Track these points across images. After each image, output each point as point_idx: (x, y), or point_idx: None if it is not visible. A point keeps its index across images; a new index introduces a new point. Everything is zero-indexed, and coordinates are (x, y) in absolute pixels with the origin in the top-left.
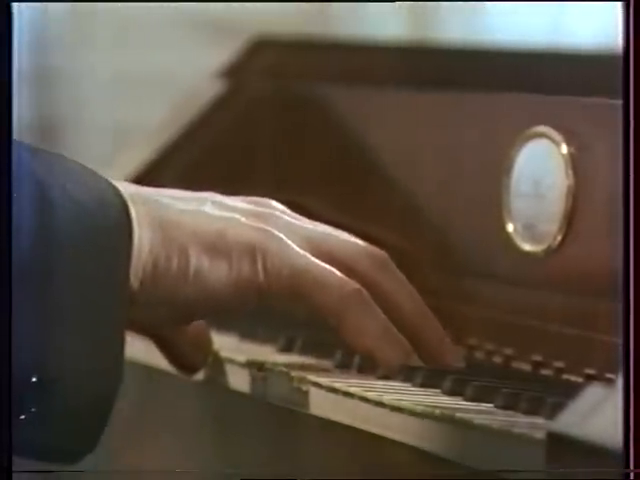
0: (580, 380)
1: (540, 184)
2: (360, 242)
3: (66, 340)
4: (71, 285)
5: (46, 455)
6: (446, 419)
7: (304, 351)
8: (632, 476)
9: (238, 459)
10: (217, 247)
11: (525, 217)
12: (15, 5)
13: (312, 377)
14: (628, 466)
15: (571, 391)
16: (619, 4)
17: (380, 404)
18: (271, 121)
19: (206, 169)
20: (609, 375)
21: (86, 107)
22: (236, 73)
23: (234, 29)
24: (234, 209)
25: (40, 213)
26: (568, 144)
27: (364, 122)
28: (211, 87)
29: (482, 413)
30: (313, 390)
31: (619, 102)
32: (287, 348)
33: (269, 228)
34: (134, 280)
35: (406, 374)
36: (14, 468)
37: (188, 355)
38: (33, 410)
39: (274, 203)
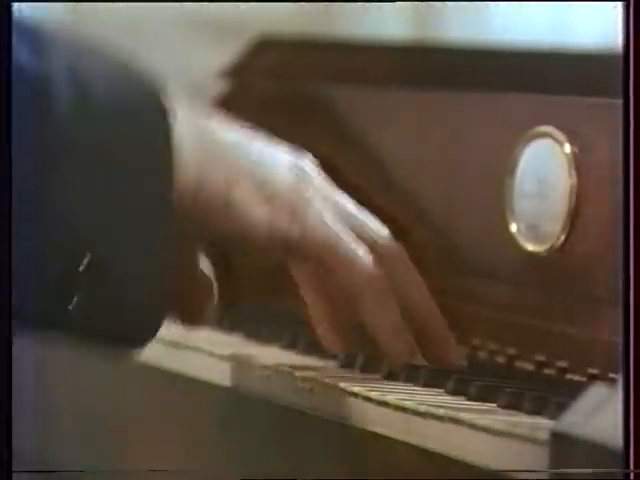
0: (583, 380)
1: (543, 184)
2: (383, 229)
3: (118, 224)
4: (116, 166)
5: (109, 339)
6: (449, 419)
7: (307, 351)
8: (632, 476)
9: (239, 459)
10: (264, 189)
11: (528, 217)
12: (15, 5)
13: (315, 376)
14: (628, 466)
15: (574, 391)
16: (619, 4)
17: (384, 404)
18: (274, 120)
19: None
20: (612, 375)
21: None
22: (239, 73)
23: (237, 29)
24: (278, 163)
25: (79, 93)
26: (571, 144)
27: (367, 122)
28: (214, 87)
29: (485, 413)
30: (317, 390)
31: (622, 102)
32: (290, 346)
33: (312, 194)
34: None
35: (409, 374)
36: (14, 468)
37: (191, 302)
38: (82, 299)
39: (311, 166)
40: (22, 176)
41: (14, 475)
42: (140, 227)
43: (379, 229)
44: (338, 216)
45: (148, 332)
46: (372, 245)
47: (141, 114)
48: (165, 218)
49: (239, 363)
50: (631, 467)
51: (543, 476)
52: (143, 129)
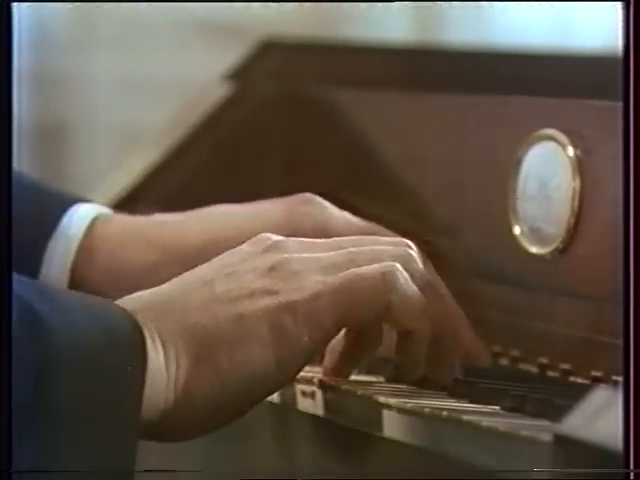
0: (587, 382)
1: (546, 186)
2: (386, 244)
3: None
4: (76, 417)
5: None
6: (453, 421)
7: None
8: (632, 476)
9: (240, 460)
10: (242, 334)
11: (531, 219)
12: (15, 5)
13: (320, 379)
14: (628, 466)
15: (578, 393)
16: (619, 4)
17: (387, 406)
18: (278, 123)
19: (213, 171)
20: (615, 377)
21: (93, 109)
22: (243, 75)
23: (241, 31)
24: (246, 274)
25: (39, 347)
26: (574, 146)
27: (371, 124)
28: (219, 89)
29: (489, 415)
30: (320, 392)
31: (622, 102)
32: None
33: (283, 281)
34: (159, 405)
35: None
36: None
37: None
38: None
39: (285, 241)
40: None
41: (14, 476)
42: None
43: (379, 251)
44: (334, 270)
45: None
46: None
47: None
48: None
49: None
50: (631, 467)
51: (544, 476)
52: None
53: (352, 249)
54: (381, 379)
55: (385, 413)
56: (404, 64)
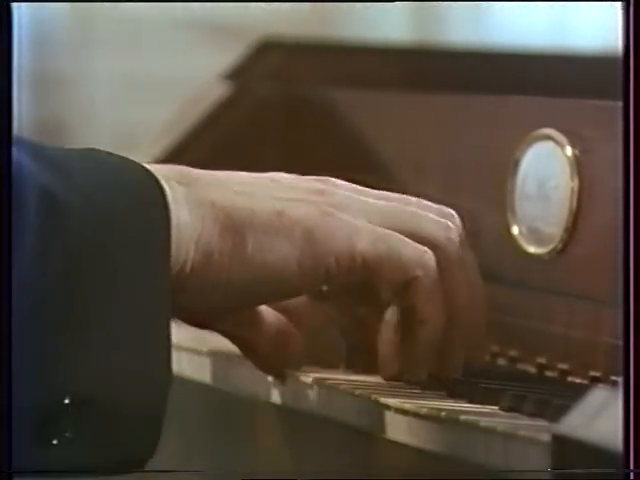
0: (585, 382)
1: (545, 186)
2: (431, 211)
3: (103, 355)
4: (100, 290)
5: (105, 469)
6: (451, 421)
7: None
8: (632, 476)
9: (239, 461)
10: (276, 226)
11: (530, 219)
12: (15, 5)
13: (318, 377)
14: (628, 466)
15: (576, 393)
16: (619, 4)
17: (385, 406)
18: (277, 123)
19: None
20: (614, 377)
21: (92, 109)
22: (242, 75)
23: (240, 31)
24: (294, 188)
25: (48, 217)
26: (573, 146)
27: (369, 124)
28: (217, 89)
29: (487, 415)
30: (318, 389)
31: (622, 101)
32: None
33: (330, 208)
34: (183, 265)
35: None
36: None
37: (271, 356)
38: (68, 435)
39: (337, 181)
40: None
41: (15, 476)
42: (129, 344)
43: (424, 216)
44: (369, 217)
45: (146, 454)
46: (418, 234)
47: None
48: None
49: (220, 358)
50: (631, 467)
51: (543, 476)
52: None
53: (398, 204)
54: (380, 379)
55: (383, 413)
56: (402, 64)
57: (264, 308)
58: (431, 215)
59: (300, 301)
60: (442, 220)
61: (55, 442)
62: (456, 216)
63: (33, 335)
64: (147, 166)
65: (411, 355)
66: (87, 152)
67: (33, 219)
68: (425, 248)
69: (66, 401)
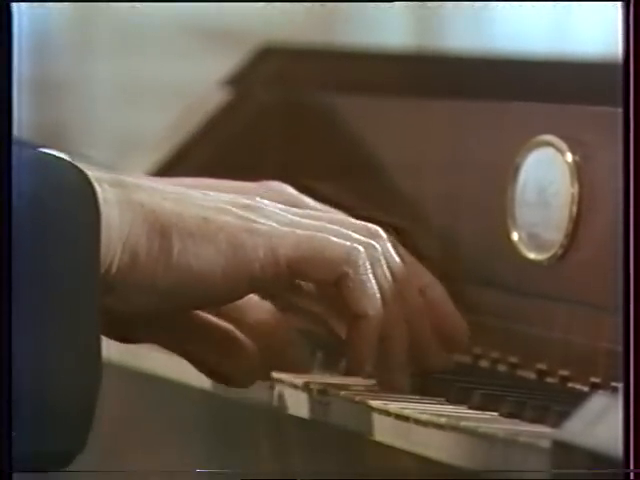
0: (585, 388)
1: (545, 192)
2: (353, 227)
3: (36, 341)
4: (32, 278)
5: (38, 459)
6: (451, 427)
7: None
8: (632, 476)
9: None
10: (202, 232)
11: (530, 225)
12: (15, 6)
13: (320, 385)
14: (628, 466)
15: (576, 399)
16: (619, 5)
17: (385, 412)
18: (277, 128)
19: (212, 176)
20: (614, 384)
21: (92, 114)
22: (242, 80)
23: (240, 37)
24: (221, 199)
25: None
26: (573, 152)
27: (370, 130)
28: (217, 94)
29: (487, 421)
30: (316, 396)
31: (622, 102)
32: None
33: (255, 217)
34: (110, 266)
35: (412, 383)
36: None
37: (220, 366)
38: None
39: (264, 199)
40: None
41: (14, 476)
42: (60, 332)
43: (346, 233)
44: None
45: (74, 448)
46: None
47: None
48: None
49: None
50: (631, 467)
51: (541, 476)
52: (69, 220)
53: (322, 222)
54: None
55: (383, 419)
56: (403, 70)
57: (208, 320)
58: (356, 222)
59: (263, 311)
60: (369, 226)
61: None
62: (382, 234)
63: None
64: (79, 166)
65: (355, 352)
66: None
67: None
68: (353, 244)
69: None
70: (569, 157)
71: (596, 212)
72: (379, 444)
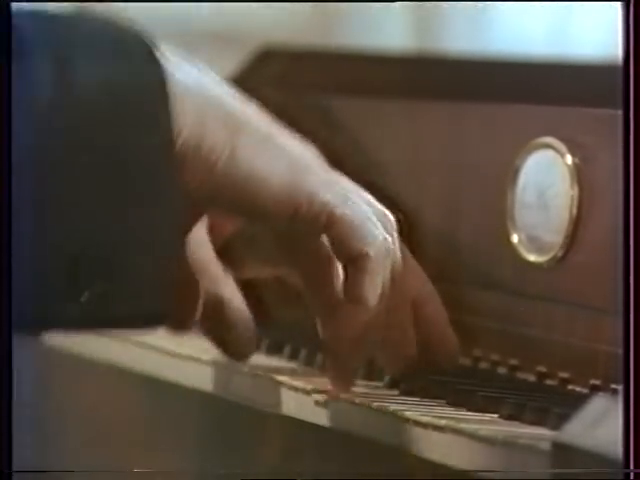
0: (585, 391)
1: (545, 195)
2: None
3: (116, 215)
4: (109, 159)
5: (128, 323)
6: (451, 429)
7: (309, 361)
8: (632, 476)
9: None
10: (269, 145)
11: (530, 228)
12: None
13: (319, 387)
14: (628, 466)
15: (576, 402)
16: (619, 6)
17: (384, 414)
18: None
19: None
20: (614, 386)
21: None
22: (242, 83)
23: (240, 39)
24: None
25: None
26: (572, 155)
27: (369, 132)
28: None
29: (487, 423)
30: (318, 398)
31: (622, 102)
32: (293, 357)
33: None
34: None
35: (411, 384)
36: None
37: (178, 306)
38: (89, 291)
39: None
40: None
41: (14, 476)
42: (142, 210)
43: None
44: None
45: (162, 313)
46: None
47: (134, 70)
48: (169, 193)
49: (222, 368)
50: (631, 467)
51: (540, 477)
52: (137, 87)
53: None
54: (379, 386)
55: (382, 420)
56: (402, 72)
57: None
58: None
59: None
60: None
61: (83, 299)
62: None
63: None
64: (147, 40)
65: (350, 297)
66: (92, 17)
67: (39, 87)
68: (385, 235)
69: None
70: (569, 159)
71: (596, 214)
72: (379, 445)
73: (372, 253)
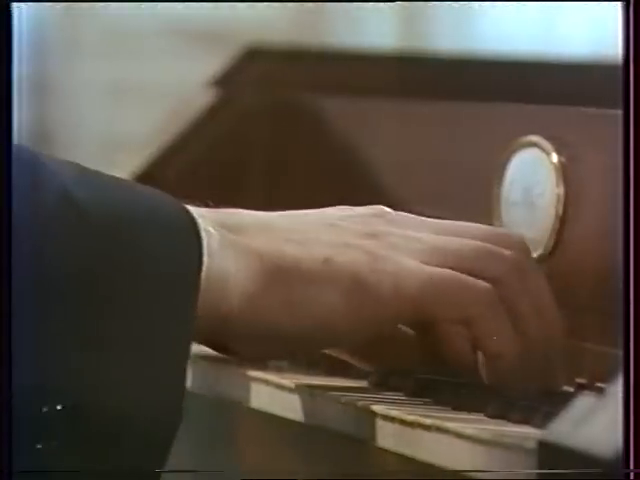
0: (571, 389)
1: (530, 193)
2: (493, 241)
3: (109, 366)
4: (112, 308)
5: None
6: (437, 428)
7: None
8: (632, 476)
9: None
10: (324, 275)
11: (516, 226)
12: (14, 6)
13: (304, 384)
14: (628, 466)
15: (562, 400)
16: (619, 4)
17: (371, 413)
18: (263, 131)
19: (198, 179)
20: (599, 384)
21: (79, 116)
22: (228, 82)
23: (226, 38)
24: (345, 230)
25: (65, 218)
26: (558, 153)
27: (356, 131)
28: (203, 96)
29: (473, 422)
30: (305, 396)
31: (610, 111)
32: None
33: (381, 250)
34: (227, 313)
35: (397, 383)
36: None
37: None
38: (55, 443)
39: (393, 215)
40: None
41: (14, 476)
42: (140, 364)
43: (483, 247)
44: (423, 255)
45: (155, 463)
46: (477, 267)
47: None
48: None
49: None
50: (631, 467)
51: (528, 477)
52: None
53: (455, 240)
54: (365, 385)
55: (369, 420)
56: (390, 72)
57: None
58: (491, 247)
59: None
60: (504, 252)
61: (39, 446)
62: (523, 241)
63: (39, 333)
64: (192, 210)
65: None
66: (129, 181)
67: (51, 220)
68: (484, 284)
69: (58, 407)
70: (555, 158)
71: (582, 213)
72: (367, 445)
73: (479, 311)
